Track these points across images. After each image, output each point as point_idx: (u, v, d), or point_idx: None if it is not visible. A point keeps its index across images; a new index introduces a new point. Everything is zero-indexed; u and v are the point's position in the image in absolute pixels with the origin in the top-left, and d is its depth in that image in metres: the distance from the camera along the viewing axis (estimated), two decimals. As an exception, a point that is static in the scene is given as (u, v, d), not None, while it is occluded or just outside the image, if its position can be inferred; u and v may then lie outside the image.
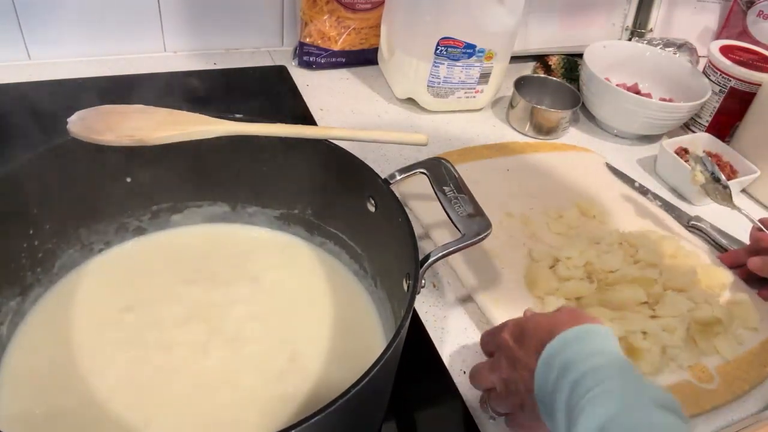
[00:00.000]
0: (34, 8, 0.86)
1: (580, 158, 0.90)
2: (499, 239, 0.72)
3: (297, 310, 0.59)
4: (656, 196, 0.85)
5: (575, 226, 0.75)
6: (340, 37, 0.98)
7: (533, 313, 0.51)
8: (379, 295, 0.59)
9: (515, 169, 0.84)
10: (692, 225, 0.81)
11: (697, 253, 0.75)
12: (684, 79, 0.99)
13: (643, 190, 0.86)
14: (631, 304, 0.65)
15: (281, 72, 0.98)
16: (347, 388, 0.38)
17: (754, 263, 0.71)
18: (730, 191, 0.79)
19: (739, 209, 0.77)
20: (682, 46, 1.06)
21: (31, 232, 0.54)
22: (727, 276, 0.72)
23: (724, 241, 0.78)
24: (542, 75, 1.05)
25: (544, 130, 0.93)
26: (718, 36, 1.19)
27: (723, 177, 0.79)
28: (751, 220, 0.74)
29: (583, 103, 0.98)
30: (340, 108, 0.93)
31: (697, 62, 1.07)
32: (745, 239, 0.76)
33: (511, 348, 0.48)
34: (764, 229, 0.72)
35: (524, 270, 0.69)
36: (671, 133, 0.99)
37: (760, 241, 0.71)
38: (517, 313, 0.55)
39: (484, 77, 0.92)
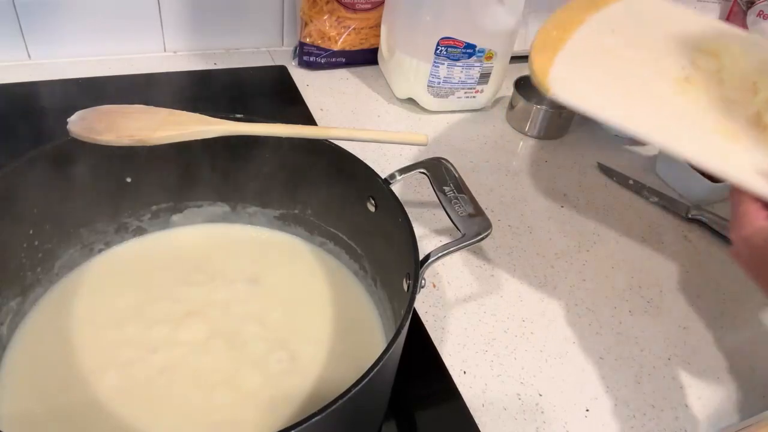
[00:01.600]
0: (34, 8, 0.86)
1: None
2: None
3: (297, 310, 0.59)
4: None
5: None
6: (340, 37, 0.98)
7: None
8: (379, 295, 0.59)
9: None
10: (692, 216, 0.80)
11: None
12: (684, 79, 0.99)
13: None
14: None
15: (281, 72, 0.98)
16: (347, 388, 0.38)
17: None
18: None
19: None
20: (682, 46, 1.06)
21: (31, 232, 0.54)
22: None
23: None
24: (542, 75, 1.05)
25: (544, 130, 0.93)
26: (718, 36, 1.18)
27: None
28: None
29: (583, 103, 0.98)
30: (340, 108, 0.93)
31: (697, 62, 1.07)
32: None
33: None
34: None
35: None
36: (671, 133, 0.99)
37: None
38: None
39: (484, 77, 0.92)
